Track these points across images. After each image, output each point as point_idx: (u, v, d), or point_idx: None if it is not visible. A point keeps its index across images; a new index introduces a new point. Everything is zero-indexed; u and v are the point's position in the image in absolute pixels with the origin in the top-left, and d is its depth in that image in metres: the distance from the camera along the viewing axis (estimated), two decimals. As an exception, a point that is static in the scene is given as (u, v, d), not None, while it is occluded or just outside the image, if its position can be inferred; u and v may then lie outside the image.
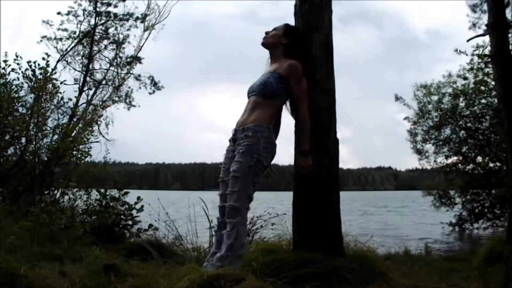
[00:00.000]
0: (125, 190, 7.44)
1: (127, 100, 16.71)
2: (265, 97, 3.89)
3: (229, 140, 4.02)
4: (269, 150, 3.76)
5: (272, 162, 3.83)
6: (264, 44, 4.18)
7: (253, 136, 3.71)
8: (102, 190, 7.41)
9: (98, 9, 15.94)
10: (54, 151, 8.54)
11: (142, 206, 7.23)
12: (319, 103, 4.06)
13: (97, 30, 16.10)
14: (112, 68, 16.34)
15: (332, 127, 4.12)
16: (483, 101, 14.17)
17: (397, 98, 15.27)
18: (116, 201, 7.21)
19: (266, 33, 4.18)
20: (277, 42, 4.10)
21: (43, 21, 15.82)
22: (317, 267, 3.60)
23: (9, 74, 8.62)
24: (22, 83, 8.63)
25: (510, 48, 6.98)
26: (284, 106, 4.06)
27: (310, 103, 3.98)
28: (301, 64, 3.94)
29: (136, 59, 16.68)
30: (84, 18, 15.89)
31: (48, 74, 8.71)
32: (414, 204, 34.57)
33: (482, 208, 14.59)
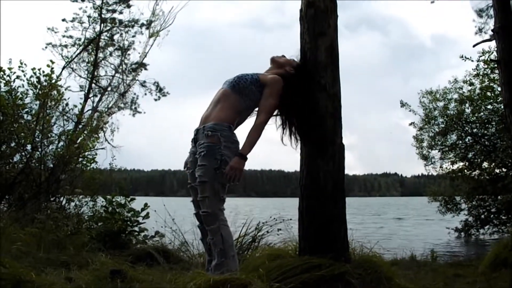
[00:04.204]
0: (131, 197, 7.43)
1: (133, 107, 16.85)
2: (233, 90, 3.89)
3: (191, 141, 4.01)
4: (232, 149, 3.71)
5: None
6: (273, 59, 4.22)
7: (213, 136, 3.69)
8: (108, 197, 7.41)
9: (103, 16, 16.05)
10: (59, 158, 8.53)
11: (148, 213, 7.22)
12: (324, 108, 4.04)
13: (102, 37, 16.25)
14: (117, 75, 16.50)
15: (337, 132, 4.10)
16: (489, 106, 14.15)
17: (403, 104, 15.25)
18: (122, 208, 7.21)
19: (283, 55, 4.23)
20: (284, 65, 4.14)
21: (48, 28, 15.99)
22: (323, 273, 3.59)
23: (14, 81, 8.62)
24: (27, 90, 8.63)
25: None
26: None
27: (313, 109, 4.00)
28: (283, 90, 3.94)
29: (141, 65, 16.78)
30: (89, 25, 16.08)
31: (53, 81, 8.72)
32: (419, 210, 34.47)
33: (488, 214, 14.56)
